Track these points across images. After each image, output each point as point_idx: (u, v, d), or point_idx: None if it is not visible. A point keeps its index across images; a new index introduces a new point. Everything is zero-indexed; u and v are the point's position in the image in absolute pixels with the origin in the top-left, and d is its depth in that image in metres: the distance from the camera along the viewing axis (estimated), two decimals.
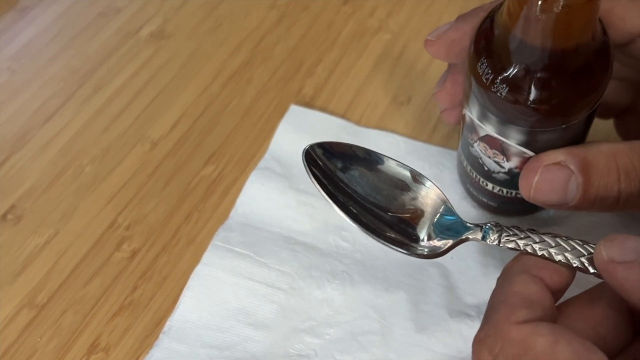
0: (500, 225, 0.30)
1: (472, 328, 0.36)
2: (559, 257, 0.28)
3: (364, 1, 0.53)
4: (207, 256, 0.38)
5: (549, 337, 0.25)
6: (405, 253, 0.31)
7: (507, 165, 0.33)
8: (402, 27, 0.51)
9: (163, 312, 0.38)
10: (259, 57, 0.50)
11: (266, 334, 0.36)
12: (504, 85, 0.29)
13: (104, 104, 0.47)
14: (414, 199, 0.33)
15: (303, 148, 0.32)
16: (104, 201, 0.42)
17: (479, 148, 0.34)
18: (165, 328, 0.36)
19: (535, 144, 0.31)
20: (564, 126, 0.30)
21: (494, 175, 0.35)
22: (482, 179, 0.36)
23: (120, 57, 0.50)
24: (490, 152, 0.33)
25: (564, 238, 0.29)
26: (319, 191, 0.31)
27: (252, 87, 0.48)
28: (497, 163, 0.34)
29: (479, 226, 0.31)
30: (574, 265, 0.28)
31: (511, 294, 0.27)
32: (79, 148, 0.45)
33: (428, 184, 0.33)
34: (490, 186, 0.36)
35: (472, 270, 0.38)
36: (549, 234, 0.29)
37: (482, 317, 0.36)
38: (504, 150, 0.32)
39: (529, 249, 0.29)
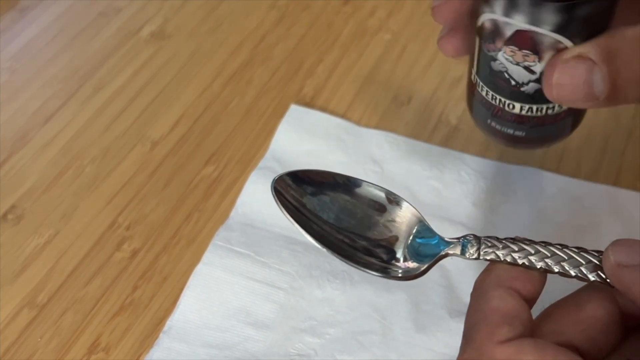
0: (478, 238, 0.30)
1: None
2: (539, 265, 0.27)
3: (364, 1, 0.53)
4: (208, 256, 0.38)
5: (535, 355, 0.25)
6: (382, 277, 0.30)
7: (539, 67, 0.30)
8: (402, 27, 0.51)
9: (163, 312, 0.38)
10: (259, 57, 0.50)
11: (266, 334, 0.36)
12: None
13: (104, 104, 0.47)
14: (390, 220, 0.32)
15: (272, 179, 0.31)
16: (104, 201, 0.42)
17: (504, 56, 0.31)
18: (166, 327, 0.36)
19: (571, 27, 0.29)
20: None
21: (522, 89, 0.32)
22: (507, 102, 0.33)
23: (121, 57, 0.50)
24: (519, 55, 0.30)
25: (543, 244, 0.28)
26: (291, 222, 0.30)
27: (253, 87, 0.48)
28: (528, 68, 0.31)
29: (457, 240, 0.30)
30: (573, 274, 0.27)
31: (489, 311, 0.26)
32: (79, 148, 0.45)
33: (404, 204, 0.32)
34: (517, 108, 0.33)
35: (472, 270, 0.38)
36: (528, 240, 0.28)
37: None
38: (536, 45, 0.30)
39: (508, 259, 0.28)
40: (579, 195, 0.41)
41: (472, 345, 0.26)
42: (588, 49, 0.28)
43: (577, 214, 0.40)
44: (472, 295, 0.28)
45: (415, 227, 0.32)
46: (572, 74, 0.28)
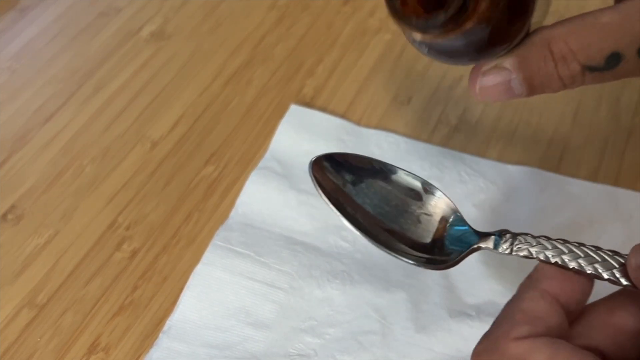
0: (511, 233, 0.29)
1: (472, 328, 0.36)
2: (572, 264, 0.27)
3: (364, 1, 0.53)
4: (208, 256, 0.38)
5: (547, 354, 0.24)
6: (415, 264, 0.30)
7: None
8: None
9: (163, 312, 0.38)
10: (259, 57, 0.50)
11: (266, 334, 0.36)
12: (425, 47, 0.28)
13: (105, 103, 0.47)
14: (424, 209, 0.32)
15: (310, 160, 0.31)
16: (104, 201, 0.42)
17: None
18: (166, 327, 0.36)
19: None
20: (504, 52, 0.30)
21: None
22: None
23: (121, 57, 0.50)
24: None
25: (576, 244, 0.28)
26: (327, 204, 0.31)
27: (253, 87, 0.48)
28: None
29: (490, 234, 0.30)
30: (605, 277, 0.27)
31: (516, 310, 0.27)
32: (79, 148, 0.45)
33: (438, 193, 0.32)
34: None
35: (473, 270, 0.38)
36: (562, 240, 0.28)
37: (482, 317, 0.36)
38: None
39: (541, 256, 0.28)
40: (579, 195, 0.41)
41: (489, 337, 0.26)
42: (503, 59, 0.30)
43: (577, 214, 0.40)
44: (513, 296, 0.28)
45: (450, 218, 0.32)
46: (492, 83, 0.30)
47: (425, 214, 0.32)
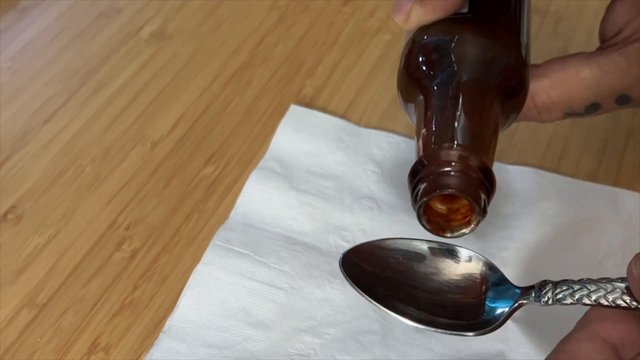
0: (552, 282, 0.29)
1: None
2: (618, 302, 0.27)
3: (364, 2, 0.53)
4: (208, 256, 0.39)
5: None
6: (463, 335, 0.30)
7: None
8: (402, 28, 0.51)
9: (163, 311, 0.38)
10: (260, 57, 0.50)
11: (266, 334, 0.36)
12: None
13: (105, 104, 0.48)
14: (461, 276, 0.32)
15: (339, 258, 0.32)
16: (104, 201, 0.42)
17: None
18: (166, 327, 0.36)
19: None
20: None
21: None
22: None
23: (121, 57, 0.50)
24: None
25: (620, 279, 0.28)
26: (365, 297, 0.31)
27: (253, 88, 0.48)
28: None
29: (530, 288, 0.30)
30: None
31: (560, 350, 0.27)
32: (80, 148, 0.45)
33: (471, 256, 0.32)
34: None
35: None
36: (605, 279, 0.28)
37: None
38: None
39: (586, 300, 0.28)
40: (578, 195, 0.41)
41: None
42: None
43: (577, 214, 0.40)
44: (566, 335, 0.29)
45: (490, 277, 0.32)
46: None
47: (464, 280, 0.32)
